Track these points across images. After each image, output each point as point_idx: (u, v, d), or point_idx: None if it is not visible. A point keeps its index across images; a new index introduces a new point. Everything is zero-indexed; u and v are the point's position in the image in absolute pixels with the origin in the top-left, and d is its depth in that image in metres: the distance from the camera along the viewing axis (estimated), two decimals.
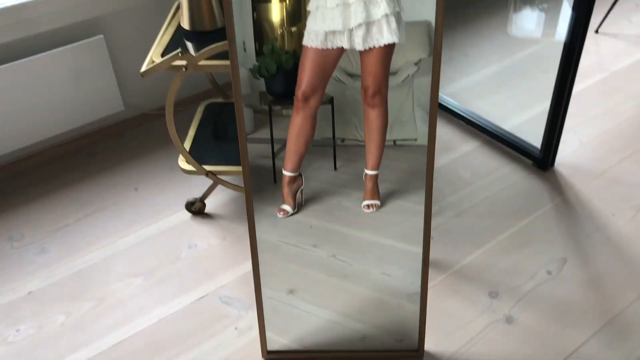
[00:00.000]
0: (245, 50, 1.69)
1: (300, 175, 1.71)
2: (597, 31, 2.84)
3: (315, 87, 1.58)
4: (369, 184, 1.70)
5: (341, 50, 1.54)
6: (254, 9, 1.63)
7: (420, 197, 1.64)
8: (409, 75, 1.73)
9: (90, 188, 2.08)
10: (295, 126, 1.62)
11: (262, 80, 1.69)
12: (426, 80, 1.74)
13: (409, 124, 1.77)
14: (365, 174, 1.70)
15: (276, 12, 1.64)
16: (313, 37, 1.49)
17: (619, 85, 2.46)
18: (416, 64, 1.72)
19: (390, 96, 1.72)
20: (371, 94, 1.57)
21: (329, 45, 1.50)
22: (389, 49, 1.52)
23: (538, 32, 2.83)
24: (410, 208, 1.72)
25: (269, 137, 1.77)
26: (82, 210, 1.99)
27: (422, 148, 1.80)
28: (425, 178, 1.59)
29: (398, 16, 1.47)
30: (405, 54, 1.65)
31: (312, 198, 1.76)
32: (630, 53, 2.67)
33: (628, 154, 2.10)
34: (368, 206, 1.69)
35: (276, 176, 1.79)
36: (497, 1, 2.99)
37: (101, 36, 2.07)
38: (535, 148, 2.06)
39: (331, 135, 1.79)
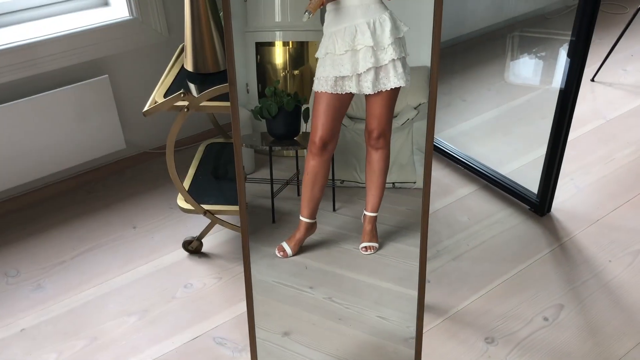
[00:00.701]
0: (248, 91, 1.72)
1: (315, 221, 1.73)
2: (593, 79, 2.89)
3: (332, 131, 1.60)
4: (367, 226, 1.71)
5: (351, 95, 1.58)
6: (257, 51, 1.67)
7: (418, 240, 1.64)
8: (408, 119, 1.76)
9: (88, 225, 2.08)
10: (313, 172, 1.64)
11: (263, 121, 1.74)
12: (425, 124, 1.77)
13: (408, 167, 1.79)
14: (365, 215, 1.71)
15: (280, 55, 1.68)
16: (323, 82, 1.53)
17: (615, 133, 2.49)
18: (416, 108, 1.74)
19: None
20: (376, 137, 1.59)
21: (339, 90, 1.54)
22: (395, 92, 1.55)
23: (535, 79, 2.89)
24: (407, 251, 1.73)
25: (269, 177, 1.80)
26: (79, 246, 1.99)
27: (421, 191, 1.82)
28: (421, 221, 1.60)
29: (404, 61, 1.51)
30: (406, 98, 1.68)
31: (310, 239, 1.77)
32: (625, 101, 2.72)
33: (625, 201, 2.11)
34: (366, 248, 1.69)
35: (275, 216, 1.80)
36: (495, 48, 3.06)
37: (106, 76, 2.12)
38: (532, 193, 2.08)
39: (331, 177, 1.82)
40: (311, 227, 1.71)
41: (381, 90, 1.52)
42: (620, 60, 3.04)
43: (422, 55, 1.65)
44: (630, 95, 2.77)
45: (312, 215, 1.69)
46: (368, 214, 1.70)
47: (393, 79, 1.51)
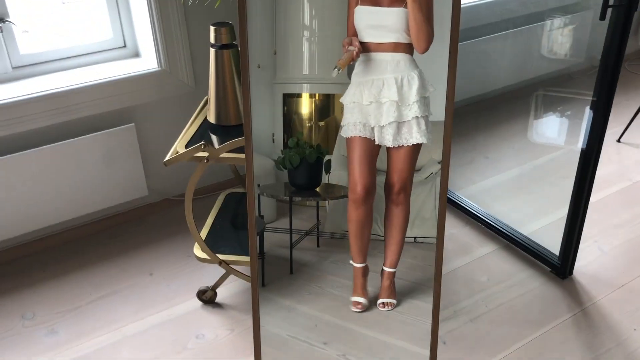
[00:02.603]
0: (274, 141, 1.74)
1: (367, 266, 1.72)
2: (619, 140, 2.86)
3: (372, 177, 1.61)
4: (386, 282, 1.68)
5: (376, 145, 1.59)
6: (284, 102, 1.69)
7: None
8: (432, 173, 1.75)
9: (106, 270, 2.10)
10: (359, 222, 1.64)
11: (286, 171, 1.75)
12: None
13: (431, 221, 1.77)
14: (383, 270, 1.69)
15: (306, 107, 1.71)
16: (352, 127, 1.56)
17: None
18: (439, 162, 1.74)
19: (413, 193, 1.73)
20: (396, 191, 1.59)
21: (368, 135, 1.55)
22: (417, 148, 1.56)
23: (559, 139, 2.87)
24: (426, 309, 1.69)
25: (289, 227, 1.79)
26: (95, 292, 2.00)
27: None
28: (434, 279, 1.57)
29: (427, 119, 1.53)
30: (430, 152, 1.67)
31: (328, 293, 1.74)
32: None
33: None
34: (384, 304, 1.66)
35: (293, 267, 1.79)
36: (519, 107, 3.06)
37: (132, 124, 2.17)
38: (554, 255, 2.03)
39: (347, 229, 1.80)
40: (366, 271, 1.70)
41: (402, 145, 1.53)
42: None
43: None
44: None
45: (365, 259, 1.69)
46: (387, 269, 1.68)
47: (415, 135, 1.52)
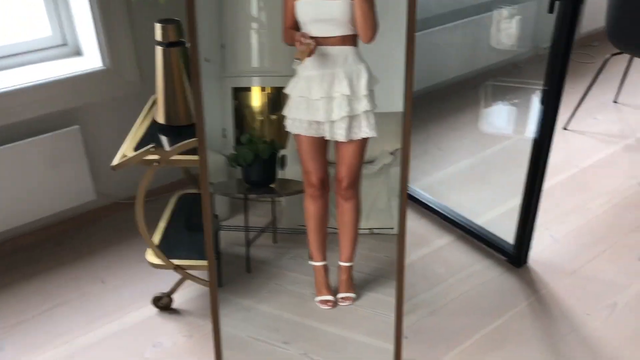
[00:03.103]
0: (224, 136, 1.70)
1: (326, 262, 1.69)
2: (565, 128, 2.93)
3: (325, 169, 1.59)
4: (343, 276, 1.67)
5: (325, 139, 1.56)
6: (235, 96, 1.65)
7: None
8: (384, 165, 1.75)
9: (55, 279, 2.01)
10: (317, 215, 1.62)
11: (239, 168, 1.70)
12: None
13: (385, 212, 1.77)
14: (339, 265, 1.68)
15: (257, 100, 1.67)
16: (298, 124, 1.53)
17: (588, 182, 2.51)
18: (392, 153, 1.74)
19: (367, 185, 1.72)
20: (345, 186, 1.57)
21: (314, 133, 1.53)
22: (365, 142, 1.55)
23: (509, 127, 2.92)
24: (384, 301, 1.69)
25: (244, 225, 1.76)
26: (44, 303, 1.91)
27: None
28: (396, 276, 1.57)
29: (373, 113, 1.51)
30: (382, 144, 1.67)
31: (287, 290, 1.72)
32: (597, 149, 2.75)
33: (600, 252, 2.10)
34: (343, 299, 1.65)
35: (250, 266, 1.76)
36: (470, 97, 3.10)
37: (77, 127, 2.08)
38: (509, 244, 2.07)
39: (303, 224, 1.78)
40: (327, 267, 1.68)
41: (353, 139, 1.51)
42: (591, 109, 3.09)
43: (398, 102, 1.65)
44: (602, 143, 2.81)
45: (325, 256, 1.67)
46: (343, 264, 1.66)
47: (365, 129, 1.51)
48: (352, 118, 1.49)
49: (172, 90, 1.70)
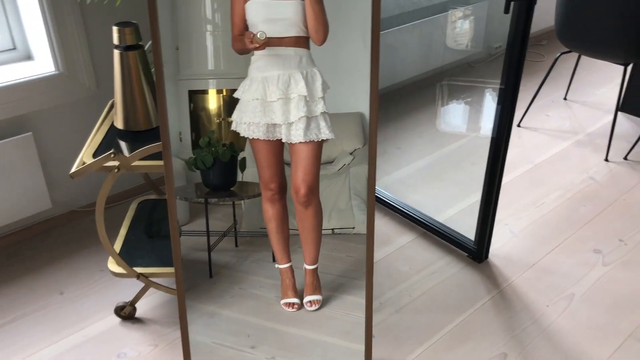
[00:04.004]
0: (181, 140, 1.67)
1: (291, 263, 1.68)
2: (519, 125, 3.01)
3: (282, 173, 1.58)
4: (309, 279, 1.66)
5: (281, 142, 1.55)
6: (191, 99, 1.63)
7: (362, 290, 1.61)
8: (345, 165, 1.75)
9: (12, 292, 1.94)
10: (277, 218, 1.60)
11: (198, 171, 1.68)
12: (361, 170, 1.76)
13: (347, 212, 1.77)
14: (305, 269, 1.67)
15: (213, 103, 1.65)
16: (254, 129, 1.50)
17: (542, 177, 2.59)
18: (351, 153, 1.74)
19: (327, 185, 1.72)
20: (304, 193, 1.55)
21: (271, 137, 1.51)
22: (321, 145, 1.54)
23: (465, 126, 2.98)
24: (351, 301, 1.69)
25: (205, 229, 1.73)
26: (1, 317, 1.84)
27: (361, 237, 1.79)
28: (366, 276, 1.58)
29: (329, 115, 1.51)
30: (341, 144, 1.67)
31: (251, 294, 1.70)
32: (550, 145, 2.84)
33: (556, 245, 2.17)
34: (310, 303, 1.64)
35: (212, 271, 1.73)
36: (427, 96, 3.15)
37: (30, 133, 2.01)
38: (470, 240, 2.11)
39: (264, 226, 1.76)
40: (292, 268, 1.67)
41: (312, 141, 1.51)
42: (542, 106, 3.18)
43: (356, 102, 1.65)
44: (554, 139, 2.89)
45: (289, 258, 1.66)
46: (308, 267, 1.66)
47: (324, 131, 1.50)
48: (310, 119, 1.49)
49: (130, 94, 1.66)
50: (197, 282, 1.73)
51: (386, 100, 3.09)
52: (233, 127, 1.54)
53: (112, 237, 1.75)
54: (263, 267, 1.77)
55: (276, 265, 1.66)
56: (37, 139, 2.07)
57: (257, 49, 1.42)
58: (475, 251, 2.07)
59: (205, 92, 1.63)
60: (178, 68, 1.56)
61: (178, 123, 1.63)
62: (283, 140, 1.51)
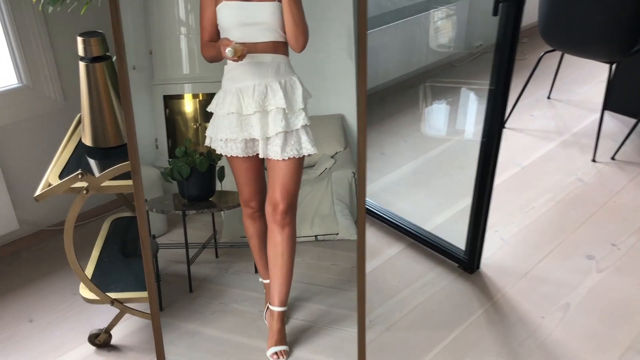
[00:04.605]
0: (157, 147, 1.59)
1: None
2: (504, 126, 2.94)
3: (263, 190, 1.47)
4: (275, 325, 1.51)
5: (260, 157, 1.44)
6: (166, 105, 1.56)
7: (349, 301, 1.52)
8: (326, 169, 1.68)
9: None
10: (259, 234, 1.51)
11: (175, 182, 1.59)
12: (343, 173, 1.70)
13: (330, 218, 1.70)
14: (270, 311, 1.52)
15: (189, 108, 1.59)
16: (232, 146, 1.39)
17: (530, 180, 2.53)
18: (333, 156, 1.67)
19: (309, 190, 1.65)
20: (282, 211, 1.42)
21: (250, 153, 1.40)
22: (303, 161, 1.42)
23: (449, 129, 2.91)
24: (337, 315, 1.62)
25: (184, 242, 1.64)
26: None
27: (345, 243, 1.73)
28: (357, 298, 1.49)
29: (311, 128, 1.40)
30: (322, 147, 1.60)
31: (233, 310, 1.61)
32: (537, 146, 2.78)
33: (548, 251, 2.10)
34: (277, 354, 1.49)
35: (192, 285, 1.64)
36: (409, 99, 3.07)
37: None
38: (460, 250, 2.03)
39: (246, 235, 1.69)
40: None
41: (291, 157, 1.39)
42: (527, 106, 3.13)
43: (336, 104, 1.60)
44: (541, 140, 2.84)
45: None
46: (275, 309, 1.51)
47: (305, 145, 1.38)
48: (288, 134, 1.36)
49: (98, 109, 1.55)
50: (177, 297, 1.64)
51: (368, 103, 3.00)
52: (207, 143, 1.44)
53: (84, 259, 1.64)
54: (244, 279, 1.69)
55: (260, 280, 1.57)
56: (1, 157, 1.94)
57: (236, 60, 1.31)
58: (467, 261, 2.00)
59: (181, 96, 1.56)
60: (152, 73, 1.50)
61: (154, 130, 1.57)
62: (260, 156, 1.40)
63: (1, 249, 2.06)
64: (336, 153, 1.69)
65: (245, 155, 1.40)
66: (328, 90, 1.54)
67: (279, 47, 1.33)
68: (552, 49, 2.77)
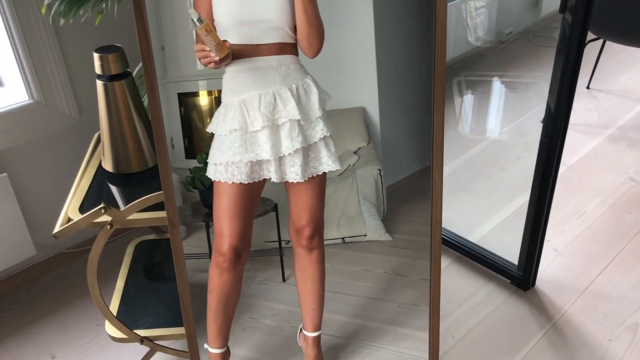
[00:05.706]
0: (172, 146, 1.47)
1: (228, 348, 1.39)
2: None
3: (247, 235, 1.23)
4: (311, 351, 1.38)
5: (264, 181, 1.20)
6: (181, 103, 1.44)
7: (385, 314, 1.42)
8: (350, 165, 1.55)
9: None
10: (224, 291, 1.27)
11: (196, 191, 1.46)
12: (368, 171, 1.56)
13: (357, 218, 1.57)
14: (305, 337, 1.40)
15: (205, 105, 1.48)
16: (235, 171, 1.15)
17: (578, 181, 2.35)
18: (356, 152, 1.54)
19: (334, 190, 1.51)
20: (308, 236, 1.25)
21: (256, 178, 1.17)
22: (325, 177, 1.23)
23: (486, 126, 2.73)
24: (381, 331, 1.49)
25: (207, 252, 1.52)
26: None
27: (373, 245, 1.60)
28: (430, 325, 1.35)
29: (331, 139, 1.20)
30: (344, 143, 1.47)
31: (263, 325, 1.49)
32: (582, 143, 2.60)
33: (607, 262, 1.94)
34: None
35: None
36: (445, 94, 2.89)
37: (5, 174, 1.75)
38: (511, 264, 1.87)
39: (272, 239, 1.55)
40: (227, 355, 1.39)
41: (313, 176, 1.19)
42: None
43: (357, 95, 1.45)
44: (585, 135, 2.65)
45: (226, 342, 1.36)
46: (309, 334, 1.38)
47: (326, 161, 1.18)
48: (307, 149, 1.16)
49: (119, 132, 1.40)
50: (203, 313, 1.51)
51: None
52: (208, 174, 1.21)
53: (107, 287, 1.49)
54: (272, 289, 1.57)
55: (205, 346, 1.36)
56: (14, 180, 1.80)
57: (217, 64, 1.06)
58: (521, 277, 1.83)
59: (195, 94, 1.45)
60: (165, 70, 1.39)
61: (169, 129, 1.45)
62: (274, 181, 1.17)
63: (18, 277, 1.93)
64: (359, 148, 1.55)
65: (248, 182, 1.17)
66: (347, 80, 1.41)
67: (286, 47, 1.12)
68: (595, 37, 2.58)
